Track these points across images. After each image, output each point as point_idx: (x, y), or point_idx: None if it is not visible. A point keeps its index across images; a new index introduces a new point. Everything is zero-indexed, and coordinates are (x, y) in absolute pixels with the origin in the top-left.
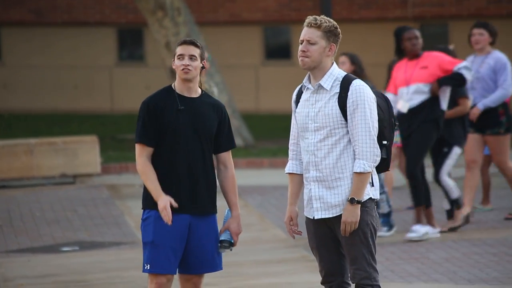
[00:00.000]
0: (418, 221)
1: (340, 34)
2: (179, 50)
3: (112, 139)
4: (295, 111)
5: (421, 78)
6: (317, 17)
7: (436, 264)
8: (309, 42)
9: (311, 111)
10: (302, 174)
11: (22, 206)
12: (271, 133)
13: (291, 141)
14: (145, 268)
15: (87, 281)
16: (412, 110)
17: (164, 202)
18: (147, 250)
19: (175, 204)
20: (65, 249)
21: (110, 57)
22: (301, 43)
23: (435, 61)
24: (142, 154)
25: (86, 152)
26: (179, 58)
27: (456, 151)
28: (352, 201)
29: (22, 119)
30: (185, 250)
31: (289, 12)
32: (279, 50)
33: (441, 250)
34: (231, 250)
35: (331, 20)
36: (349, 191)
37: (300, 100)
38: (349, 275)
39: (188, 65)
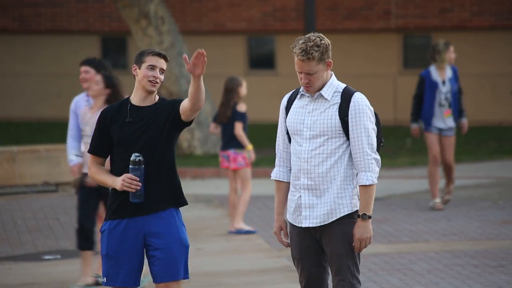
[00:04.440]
0: None
1: (329, 44)
2: (151, 60)
3: None
4: (284, 118)
5: None
6: (305, 48)
7: (418, 275)
8: (309, 74)
9: (307, 118)
10: (289, 182)
11: (4, 214)
12: (254, 143)
13: (278, 148)
14: (104, 281)
15: None
16: None
17: (121, 178)
18: (104, 262)
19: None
20: (47, 257)
21: None
22: (300, 73)
23: None
24: (93, 163)
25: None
26: (149, 68)
27: None
28: (364, 217)
29: (5, 127)
30: (150, 256)
31: (273, 22)
32: (263, 60)
33: (423, 261)
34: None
35: (318, 42)
36: (334, 201)
37: (292, 106)
38: (333, 285)
39: (157, 77)
